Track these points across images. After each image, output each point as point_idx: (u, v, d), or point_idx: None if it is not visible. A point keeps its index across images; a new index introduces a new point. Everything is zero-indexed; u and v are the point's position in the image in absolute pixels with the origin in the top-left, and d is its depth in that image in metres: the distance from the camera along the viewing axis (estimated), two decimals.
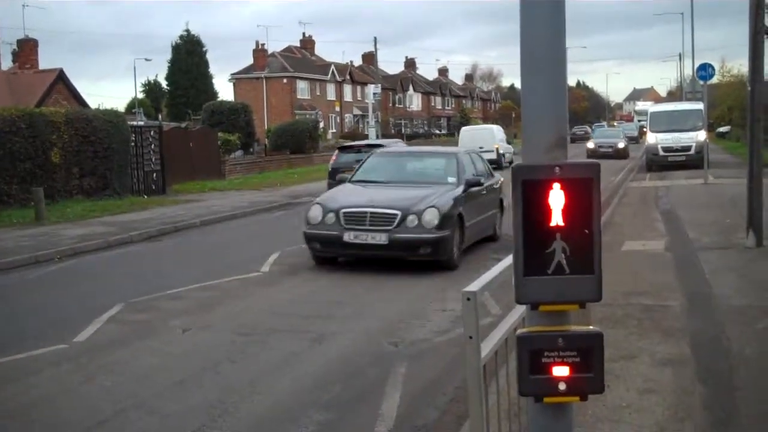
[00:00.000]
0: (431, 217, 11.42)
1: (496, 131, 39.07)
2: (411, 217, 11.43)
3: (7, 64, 49.51)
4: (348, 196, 12.55)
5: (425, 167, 14.08)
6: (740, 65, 51.59)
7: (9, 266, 13.13)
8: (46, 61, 59.27)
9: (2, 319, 9.59)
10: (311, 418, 5.81)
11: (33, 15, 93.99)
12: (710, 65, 26.03)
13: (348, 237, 11.53)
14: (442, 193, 12.16)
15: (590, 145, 43.71)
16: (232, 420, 5.81)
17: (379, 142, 27.15)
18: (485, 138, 36.58)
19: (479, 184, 13.27)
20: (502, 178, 14.98)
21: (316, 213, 12.08)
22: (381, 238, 11.38)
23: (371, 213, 11.61)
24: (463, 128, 43.57)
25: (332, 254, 12.24)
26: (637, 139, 63.70)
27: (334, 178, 18.78)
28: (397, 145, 26.46)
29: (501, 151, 36.46)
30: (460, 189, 12.58)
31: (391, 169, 13.99)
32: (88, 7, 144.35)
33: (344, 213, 11.73)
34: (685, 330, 7.49)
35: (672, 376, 6.11)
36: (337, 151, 24.18)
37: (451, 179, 12.97)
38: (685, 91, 50.63)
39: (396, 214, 11.49)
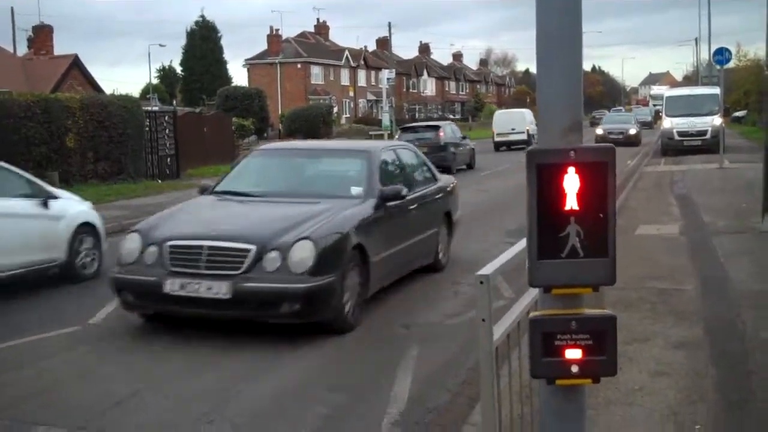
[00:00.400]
0: (302, 255, 7.34)
1: (527, 114, 41.94)
2: (271, 255, 7.37)
3: (23, 50, 49.74)
4: (185, 218, 8.57)
5: (322, 172, 9.96)
6: (757, 49, 51.18)
7: None
8: (61, 46, 59.39)
9: (17, 302, 9.66)
10: (323, 401, 5.84)
11: (49, 1, 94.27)
12: (727, 49, 25.85)
13: (171, 286, 7.44)
14: (333, 213, 8.10)
15: (599, 131, 40.00)
16: (245, 402, 5.85)
17: (437, 124, 29.28)
18: (517, 120, 40.85)
19: (400, 196, 9.04)
20: (454, 180, 11.98)
21: (131, 246, 7.98)
22: (221, 289, 7.27)
23: (209, 247, 7.51)
24: (497, 111, 48.22)
25: (149, 309, 8.08)
26: (651, 124, 61.57)
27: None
28: (450, 127, 29.30)
29: (531, 133, 38.43)
30: (368, 205, 8.61)
31: (273, 175, 9.99)
32: None
33: (170, 247, 7.65)
34: (699, 313, 7.47)
35: (685, 360, 6.10)
36: (399, 132, 25.18)
37: (356, 190, 8.95)
38: (701, 76, 50.27)
39: (247, 250, 7.39)
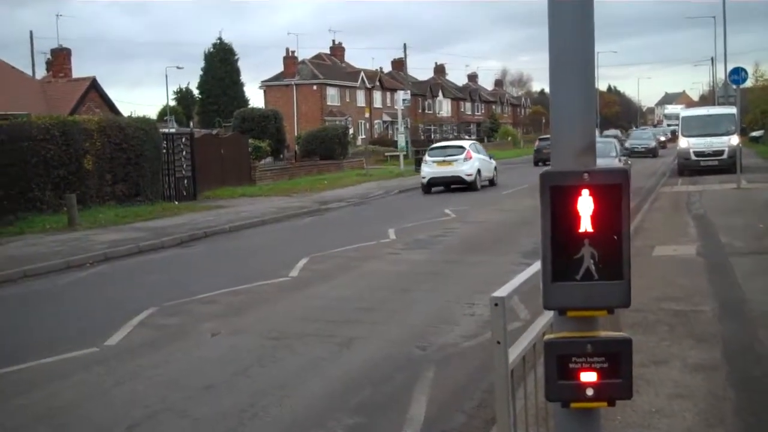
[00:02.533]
0: None
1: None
2: None
3: (42, 73, 50.23)
4: None
5: None
6: None
7: (42, 271, 13.30)
8: (81, 69, 60.01)
9: (35, 323, 9.71)
10: (340, 422, 5.83)
11: (68, 24, 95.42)
12: (743, 69, 25.80)
13: None
14: None
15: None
16: (262, 424, 5.84)
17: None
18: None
19: None
20: None
21: None
22: None
23: None
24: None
25: None
26: (654, 150, 51.94)
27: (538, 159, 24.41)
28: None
29: None
30: None
31: None
32: (123, 16, 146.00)
33: None
34: (718, 335, 7.41)
35: (703, 382, 6.05)
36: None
37: None
38: (717, 95, 50.09)
39: None
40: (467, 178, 28.79)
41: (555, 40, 2.43)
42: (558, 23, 2.43)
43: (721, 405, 5.54)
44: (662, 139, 66.28)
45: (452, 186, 29.16)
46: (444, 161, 29.16)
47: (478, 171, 29.36)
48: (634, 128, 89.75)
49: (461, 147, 30.39)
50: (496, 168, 32.10)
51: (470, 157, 29.26)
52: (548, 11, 2.44)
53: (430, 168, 29.23)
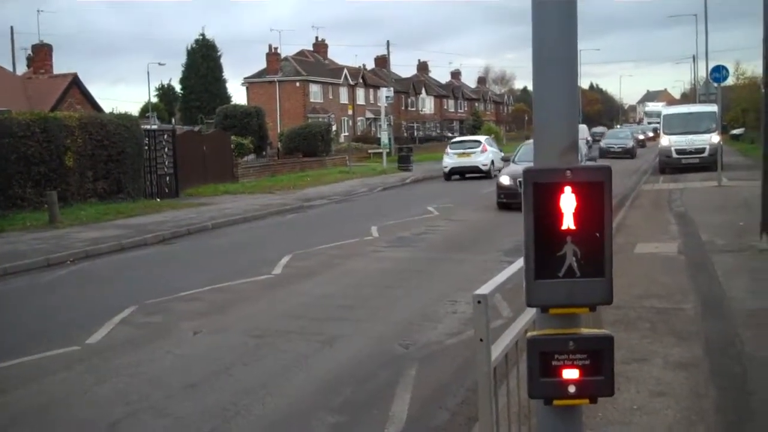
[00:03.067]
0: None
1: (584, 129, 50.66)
2: None
3: (23, 69, 49.86)
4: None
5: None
6: (755, 67, 51.48)
7: (22, 269, 13.21)
8: (62, 65, 59.63)
9: (15, 321, 9.64)
10: (322, 421, 5.82)
11: (49, 20, 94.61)
12: (724, 67, 25.92)
13: None
14: None
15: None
16: (245, 422, 5.83)
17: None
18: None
19: None
20: None
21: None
22: None
23: None
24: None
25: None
26: (631, 151, 47.11)
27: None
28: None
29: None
30: None
31: None
32: (105, 11, 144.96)
33: None
34: (699, 333, 7.46)
35: (685, 379, 6.08)
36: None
37: None
38: (699, 93, 50.35)
39: None
40: (483, 168, 33.14)
41: (538, 37, 2.43)
42: (541, 21, 2.44)
43: (702, 402, 5.58)
44: (641, 137, 63.40)
45: (467, 175, 33.60)
46: (463, 153, 34.09)
47: (492, 162, 33.31)
48: (617, 126, 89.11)
49: (478, 141, 35.44)
50: (502, 159, 34.76)
51: (485, 150, 33.93)
52: (531, 10, 2.44)
53: (451, 159, 34.08)
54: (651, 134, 72.81)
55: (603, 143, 47.60)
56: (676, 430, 5.06)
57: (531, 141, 19.35)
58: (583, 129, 59.17)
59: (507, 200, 19.45)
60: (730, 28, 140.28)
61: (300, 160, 42.84)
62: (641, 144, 59.01)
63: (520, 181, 14.52)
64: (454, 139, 41.49)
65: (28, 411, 6.24)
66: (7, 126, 20.83)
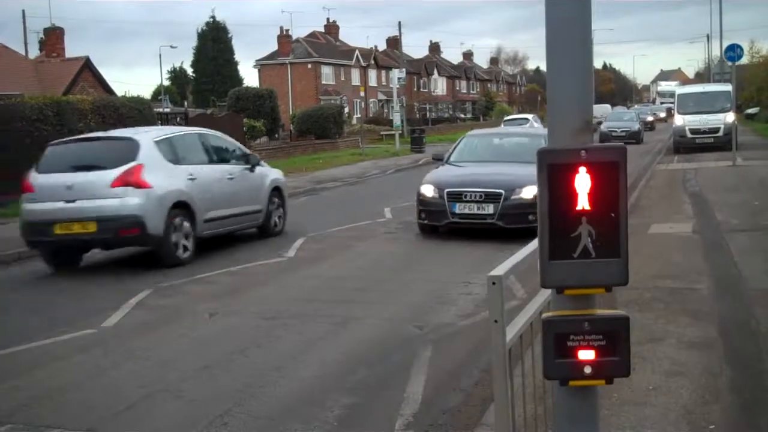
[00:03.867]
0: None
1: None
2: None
3: (35, 52, 49.99)
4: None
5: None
6: None
7: (37, 253, 13.27)
8: (75, 49, 59.66)
9: (31, 305, 9.71)
10: (337, 402, 5.84)
11: (61, 4, 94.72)
12: (738, 46, 25.73)
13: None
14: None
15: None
16: (259, 404, 5.85)
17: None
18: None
19: None
20: None
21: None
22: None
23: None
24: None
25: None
26: (637, 135, 42.39)
27: None
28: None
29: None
30: None
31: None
32: None
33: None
34: (713, 313, 7.44)
35: (699, 359, 6.07)
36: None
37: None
38: (713, 73, 50.03)
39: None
40: None
41: (552, 16, 2.41)
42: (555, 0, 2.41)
43: (716, 382, 5.57)
44: (649, 119, 58.41)
45: None
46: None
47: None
48: (635, 106, 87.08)
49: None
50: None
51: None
52: None
53: None
54: (662, 114, 70.41)
55: (604, 126, 41.95)
56: (692, 409, 5.05)
57: (476, 132, 16.97)
58: (605, 109, 59.13)
59: (429, 221, 13.28)
60: (744, 6, 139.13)
61: (312, 143, 42.83)
62: (649, 126, 54.84)
63: (449, 193, 12.79)
64: (507, 117, 50.05)
65: (44, 394, 6.28)
66: (20, 110, 20.89)
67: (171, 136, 12.69)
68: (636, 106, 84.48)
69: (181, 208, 11.79)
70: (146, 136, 12.11)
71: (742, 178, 19.48)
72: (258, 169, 14.06)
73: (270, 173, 14.71)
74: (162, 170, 11.69)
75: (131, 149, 11.68)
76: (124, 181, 11.23)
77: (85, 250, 12.28)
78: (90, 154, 12.11)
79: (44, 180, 11.65)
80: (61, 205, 11.26)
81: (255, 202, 13.75)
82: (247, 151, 15.03)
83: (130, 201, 11.16)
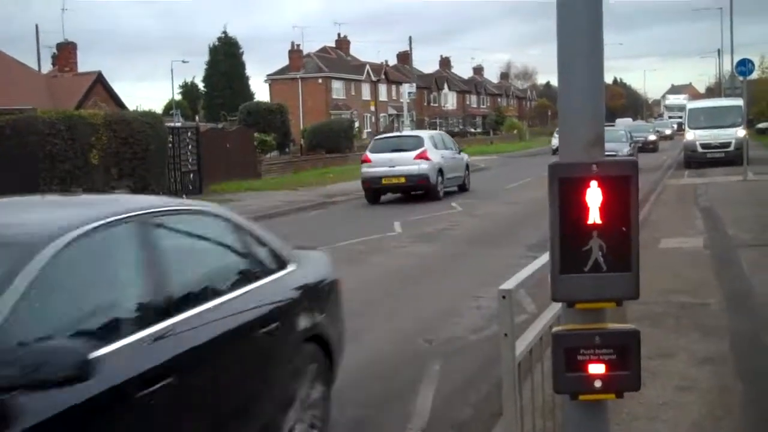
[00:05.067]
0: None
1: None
2: None
3: (47, 67, 50.32)
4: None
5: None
6: None
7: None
8: (87, 64, 60.05)
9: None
10: (345, 415, 5.83)
11: (74, 19, 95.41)
12: (749, 60, 25.70)
13: None
14: None
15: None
16: None
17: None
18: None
19: None
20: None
21: None
22: None
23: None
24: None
25: None
26: (655, 144, 47.12)
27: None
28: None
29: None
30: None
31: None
32: (130, 9, 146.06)
33: None
34: (725, 328, 7.40)
35: (710, 375, 6.04)
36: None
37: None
38: (724, 87, 49.95)
39: None
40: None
41: (563, 30, 2.42)
42: (566, 14, 2.43)
43: (728, 397, 5.54)
44: (652, 138, 49.39)
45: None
46: None
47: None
48: (653, 120, 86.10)
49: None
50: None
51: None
52: (556, 2, 2.43)
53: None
54: (668, 132, 66.51)
55: None
56: (702, 425, 5.03)
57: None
58: (626, 122, 58.70)
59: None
60: (755, 21, 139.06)
61: (323, 157, 42.90)
62: (651, 146, 46.99)
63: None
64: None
65: None
66: (32, 124, 21.02)
67: (434, 134, 26.55)
68: (640, 121, 79.01)
69: (440, 171, 23.17)
70: (426, 134, 25.69)
71: (753, 193, 19.41)
72: (462, 154, 26.34)
73: (465, 157, 26.80)
74: (433, 152, 23.14)
75: (420, 141, 23.53)
76: (419, 157, 22.66)
77: (392, 192, 23.71)
78: (399, 143, 23.97)
79: (375, 156, 23.17)
80: (386, 169, 22.69)
81: (460, 171, 25.47)
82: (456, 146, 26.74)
83: (422, 166, 22.55)
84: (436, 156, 23.09)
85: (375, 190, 23.14)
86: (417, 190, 22.98)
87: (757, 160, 29.06)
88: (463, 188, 25.50)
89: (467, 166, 26.46)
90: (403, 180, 22.47)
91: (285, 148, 43.31)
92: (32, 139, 20.65)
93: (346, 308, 9.38)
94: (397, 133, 30.62)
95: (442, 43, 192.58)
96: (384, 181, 22.70)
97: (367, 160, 23.21)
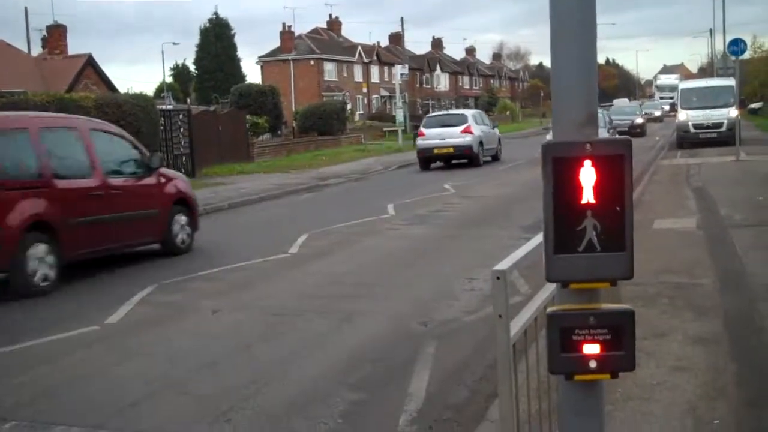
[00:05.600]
0: None
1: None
2: None
3: (37, 50, 50.00)
4: None
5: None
6: None
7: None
8: (78, 46, 59.62)
9: (36, 301, 9.70)
10: (342, 397, 5.84)
11: (64, 1, 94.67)
12: (742, 40, 25.68)
13: None
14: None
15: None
16: (264, 400, 5.85)
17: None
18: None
19: None
20: None
21: None
22: None
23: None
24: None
25: None
26: (641, 127, 42.14)
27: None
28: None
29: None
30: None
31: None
32: None
33: None
34: (718, 308, 7.42)
35: (704, 354, 6.06)
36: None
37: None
38: (716, 67, 49.86)
39: None
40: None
41: (556, 9, 2.40)
42: None
43: (722, 377, 5.56)
44: (639, 121, 43.22)
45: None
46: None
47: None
48: (646, 101, 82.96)
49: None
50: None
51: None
52: None
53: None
54: (657, 113, 60.08)
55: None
56: (697, 404, 5.04)
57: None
58: (623, 102, 61.44)
59: None
60: (747, 2, 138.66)
61: (315, 139, 42.83)
62: (637, 130, 40.71)
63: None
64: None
65: (47, 390, 6.29)
66: (23, 107, 20.86)
67: (475, 112, 31.33)
68: (625, 102, 68.08)
69: (480, 143, 28.00)
70: (469, 112, 30.41)
71: (746, 173, 19.44)
72: (495, 129, 30.72)
73: (497, 132, 31.35)
74: (475, 127, 27.96)
75: (464, 117, 28.72)
76: (464, 131, 27.43)
77: (440, 161, 28.53)
78: (447, 120, 28.99)
79: (428, 131, 28.05)
80: (437, 141, 27.62)
81: (495, 143, 30.26)
82: (490, 121, 31.75)
83: (467, 138, 27.37)
84: (477, 130, 28.16)
85: (427, 159, 28.41)
86: (462, 159, 28.13)
87: (750, 140, 29.09)
88: (495, 158, 30.32)
89: (499, 140, 31.33)
90: (451, 150, 27.63)
91: (277, 131, 43.21)
92: None
93: (340, 291, 9.40)
94: (445, 112, 38.20)
95: (434, 24, 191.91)
96: (435, 151, 27.95)
97: (421, 134, 28.46)
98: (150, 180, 12.17)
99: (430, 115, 34.16)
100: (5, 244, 9.46)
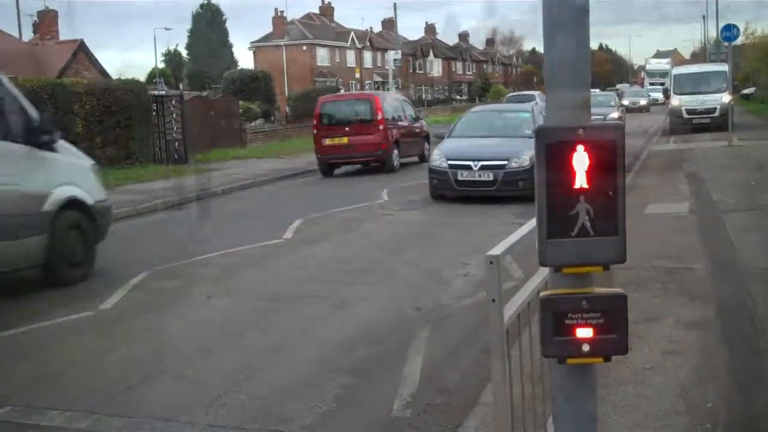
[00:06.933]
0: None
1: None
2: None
3: (29, 35, 49.72)
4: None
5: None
6: (766, 26, 50.92)
7: None
8: (69, 32, 59.32)
9: (30, 287, 9.69)
10: (335, 382, 5.86)
11: None
12: (735, 26, 25.65)
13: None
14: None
15: None
16: (258, 385, 5.87)
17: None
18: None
19: None
20: None
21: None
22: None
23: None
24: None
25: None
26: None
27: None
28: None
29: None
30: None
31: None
32: None
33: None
34: (710, 292, 7.45)
35: (696, 339, 6.09)
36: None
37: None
38: (709, 53, 49.78)
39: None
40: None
41: None
42: None
43: (713, 361, 5.59)
44: (614, 115, 31.35)
45: None
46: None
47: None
48: (629, 86, 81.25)
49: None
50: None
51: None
52: None
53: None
54: (643, 102, 53.42)
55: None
56: (689, 389, 5.07)
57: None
58: (624, 87, 57.96)
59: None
60: None
61: (308, 125, 42.58)
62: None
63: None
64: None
65: (42, 376, 6.29)
66: None
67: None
68: (626, 88, 66.82)
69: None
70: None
71: (739, 158, 19.49)
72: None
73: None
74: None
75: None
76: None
77: None
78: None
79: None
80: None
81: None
82: None
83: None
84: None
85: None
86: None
87: (742, 125, 29.12)
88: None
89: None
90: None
91: (270, 116, 43.12)
92: None
93: (334, 276, 9.41)
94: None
95: (427, 10, 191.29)
96: None
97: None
98: None
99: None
100: None
